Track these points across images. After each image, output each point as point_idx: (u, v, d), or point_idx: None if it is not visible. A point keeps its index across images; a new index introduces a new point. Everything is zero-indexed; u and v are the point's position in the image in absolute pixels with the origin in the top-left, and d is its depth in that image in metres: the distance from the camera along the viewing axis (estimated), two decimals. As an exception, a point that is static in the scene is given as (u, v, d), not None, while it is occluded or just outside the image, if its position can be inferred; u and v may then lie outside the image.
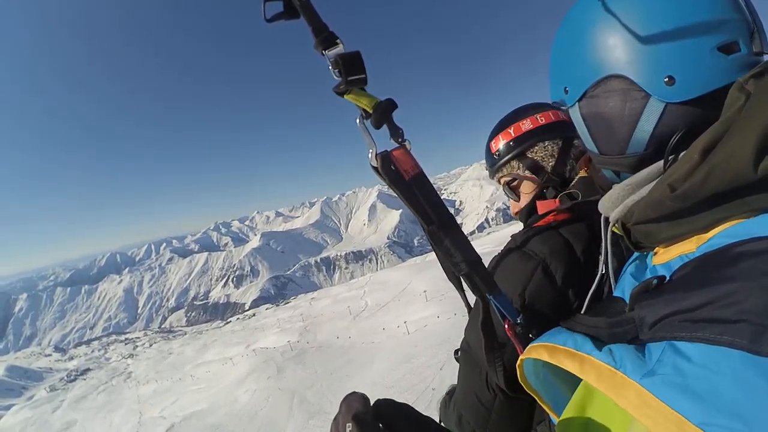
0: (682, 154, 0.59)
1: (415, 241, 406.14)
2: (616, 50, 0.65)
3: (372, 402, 0.66)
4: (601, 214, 0.80)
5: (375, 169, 0.86)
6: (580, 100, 0.74)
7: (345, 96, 0.85)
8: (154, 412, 33.52)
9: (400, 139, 0.90)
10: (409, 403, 0.66)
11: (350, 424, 0.59)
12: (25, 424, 54.01)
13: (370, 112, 0.85)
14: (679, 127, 0.62)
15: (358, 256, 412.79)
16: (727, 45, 0.58)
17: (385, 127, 0.89)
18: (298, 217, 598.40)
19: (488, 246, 35.93)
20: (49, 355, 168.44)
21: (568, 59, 0.76)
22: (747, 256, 0.45)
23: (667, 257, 0.63)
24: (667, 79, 0.60)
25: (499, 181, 1.46)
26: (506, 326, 0.90)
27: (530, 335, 0.90)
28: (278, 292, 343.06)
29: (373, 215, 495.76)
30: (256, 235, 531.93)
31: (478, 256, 0.88)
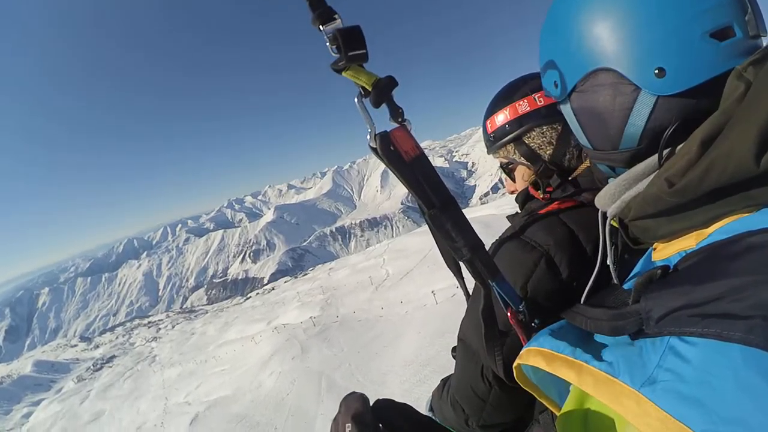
0: (679, 146, 0.57)
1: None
2: (601, 42, 0.62)
3: (372, 402, 0.66)
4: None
5: (374, 150, 0.84)
6: (569, 94, 0.73)
7: (343, 73, 0.81)
8: (179, 398, 32.96)
9: (400, 119, 0.87)
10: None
11: (350, 424, 0.59)
12: (55, 419, 54.22)
13: (369, 90, 0.82)
14: (673, 119, 0.59)
15: (373, 223, 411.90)
16: (721, 30, 0.54)
17: (384, 107, 0.85)
18: (310, 188, 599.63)
19: (507, 207, 33.86)
20: (75, 345, 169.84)
21: (554, 53, 0.73)
22: (757, 248, 0.43)
23: (666, 253, 0.61)
24: (657, 71, 0.57)
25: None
26: (509, 314, 0.89)
27: (533, 324, 0.90)
28: (296, 264, 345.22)
29: (385, 181, 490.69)
30: (269, 209, 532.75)
31: (480, 240, 0.86)
